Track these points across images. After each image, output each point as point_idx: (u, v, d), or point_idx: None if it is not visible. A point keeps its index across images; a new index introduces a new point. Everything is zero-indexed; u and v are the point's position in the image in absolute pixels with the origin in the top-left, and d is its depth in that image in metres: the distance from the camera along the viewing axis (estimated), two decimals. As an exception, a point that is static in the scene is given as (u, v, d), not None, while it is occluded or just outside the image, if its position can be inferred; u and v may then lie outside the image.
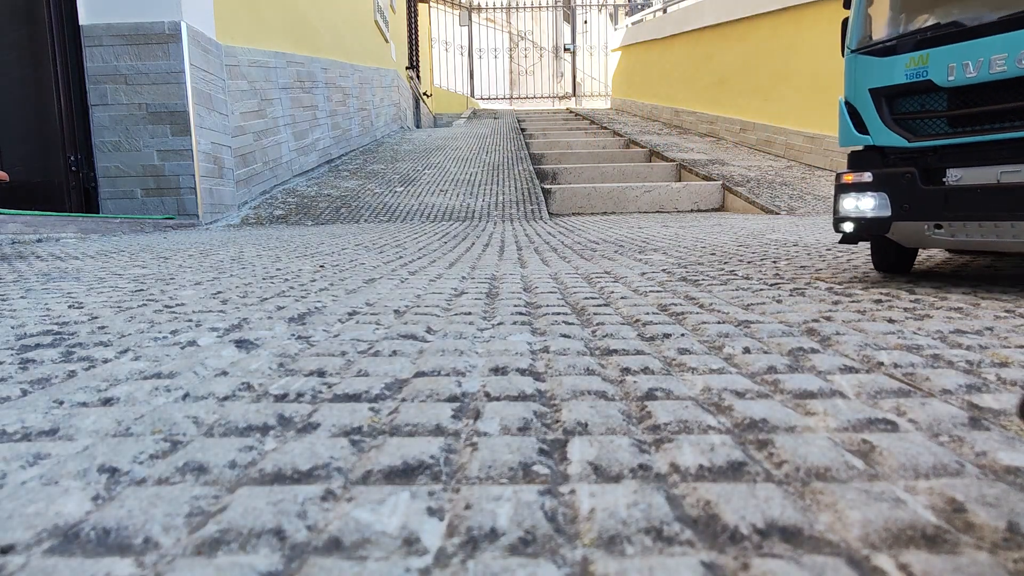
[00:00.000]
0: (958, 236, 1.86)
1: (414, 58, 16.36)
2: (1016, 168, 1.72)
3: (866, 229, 2.06)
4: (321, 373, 1.10)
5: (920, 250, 2.68)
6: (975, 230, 1.81)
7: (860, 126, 2.05)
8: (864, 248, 3.17)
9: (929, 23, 1.92)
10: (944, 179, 1.87)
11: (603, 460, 0.73)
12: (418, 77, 16.34)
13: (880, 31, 2.08)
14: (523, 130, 12.26)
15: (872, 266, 2.46)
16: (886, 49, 1.96)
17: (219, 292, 2.08)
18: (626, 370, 1.11)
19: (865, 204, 2.03)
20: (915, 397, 0.96)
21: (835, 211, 2.14)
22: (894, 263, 2.27)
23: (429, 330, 1.45)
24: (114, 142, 5.59)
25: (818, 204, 6.64)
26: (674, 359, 1.18)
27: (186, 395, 0.98)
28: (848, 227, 2.10)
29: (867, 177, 2.01)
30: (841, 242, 2.18)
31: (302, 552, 0.56)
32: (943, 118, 1.87)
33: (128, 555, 0.56)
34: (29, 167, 5.50)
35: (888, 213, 1.98)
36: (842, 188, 2.10)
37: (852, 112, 2.07)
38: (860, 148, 2.10)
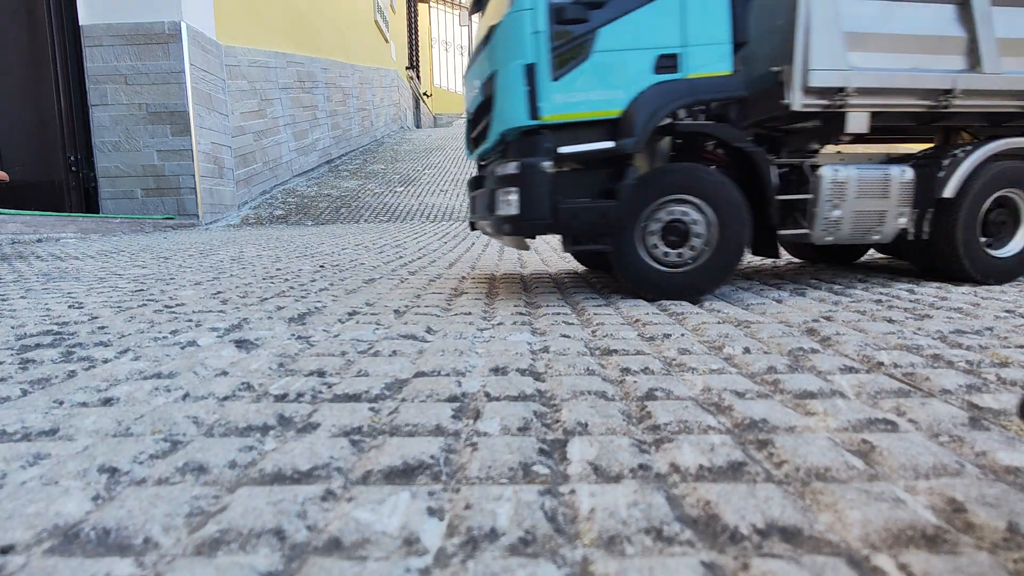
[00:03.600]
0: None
1: (414, 58, 16.37)
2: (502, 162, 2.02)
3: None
4: (321, 373, 1.10)
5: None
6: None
7: None
8: (866, 251, 3.17)
9: None
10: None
11: (603, 460, 0.73)
12: (418, 77, 16.35)
13: None
14: (523, 130, 12.22)
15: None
16: None
17: (219, 292, 2.08)
18: (626, 370, 1.11)
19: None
20: (915, 397, 0.96)
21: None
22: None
23: (429, 330, 1.45)
24: (114, 142, 5.60)
25: (818, 204, 6.62)
26: (674, 359, 1.18)
27: (186, 395, 0.98)
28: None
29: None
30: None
31: (302, 552, 0.56)
32: None
33: (128, 555, 0.56)
34: (29, 167, 5.50)
35: None
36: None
37: None
38: None
